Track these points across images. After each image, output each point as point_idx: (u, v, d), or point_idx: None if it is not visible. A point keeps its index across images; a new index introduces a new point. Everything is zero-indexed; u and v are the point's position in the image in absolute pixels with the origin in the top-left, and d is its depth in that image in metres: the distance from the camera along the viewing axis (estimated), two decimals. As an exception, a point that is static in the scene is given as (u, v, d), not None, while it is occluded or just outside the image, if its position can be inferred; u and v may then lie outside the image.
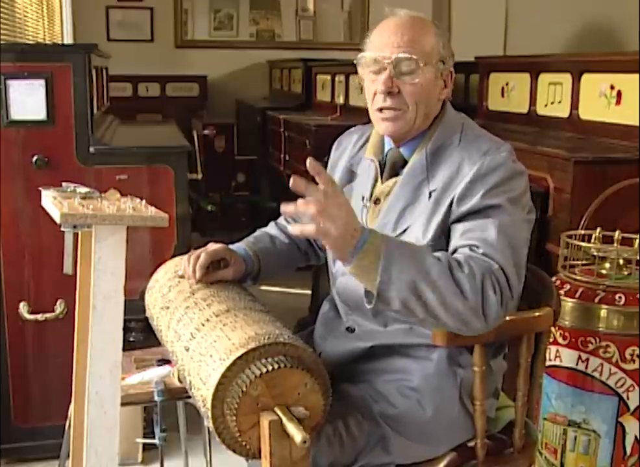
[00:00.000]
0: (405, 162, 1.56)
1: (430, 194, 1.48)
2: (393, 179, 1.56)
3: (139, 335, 2.70)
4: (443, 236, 1.45)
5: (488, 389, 1.56)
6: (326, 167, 1.79)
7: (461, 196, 1.43)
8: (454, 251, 1.40)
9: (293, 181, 1.24)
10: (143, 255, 2.35)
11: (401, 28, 1.49)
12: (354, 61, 1.57)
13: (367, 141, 1.66)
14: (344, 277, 1.58)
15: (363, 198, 1.59)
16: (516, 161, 1.48)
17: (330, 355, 1.58)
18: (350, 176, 1.66)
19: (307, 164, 1.25)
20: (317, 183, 1.26)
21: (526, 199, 1.47)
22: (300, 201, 1.26)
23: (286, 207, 1.27)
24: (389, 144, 1.59)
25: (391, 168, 1.58)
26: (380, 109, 1.51)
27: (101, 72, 3.11)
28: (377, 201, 1.57)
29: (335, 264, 1.63)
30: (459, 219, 1.43)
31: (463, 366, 1.52)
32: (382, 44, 1.49)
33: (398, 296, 1.28)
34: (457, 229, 1.42)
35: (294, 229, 1.28)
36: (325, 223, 1.24)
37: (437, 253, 1.35)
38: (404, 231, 1.49)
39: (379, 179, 1.59)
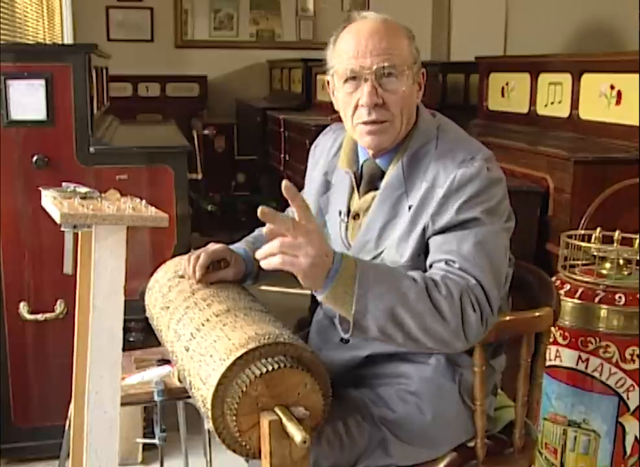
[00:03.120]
0: (382, 173, 1.50)
1: (410, 208, 1.44)
2: (372, 194, 1.51)
3: (139, 334, 2.69)
4: (421, 254, 1.41)
5: (488, 388, 1.56)
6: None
7: (435, 213, 1.39)
8: (430, 266, 1.37)
9: (260, 212, 1.19)
10: (143, 255, 2.35)
11: (377, 34, 1.41)
12: (327, 76, 1.49)
13: (340, 147, 1.60)
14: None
15: (340, 212, 1.55)
16: (492, 168, 1.42)
17: (328, 365, 1.55)
18: (326, 185, 1.61)
19: (283, 187, 1.21)
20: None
21: (504, 207, 1.43)
22: (266, 230, 1.22)
23: (258, 253, 1.23)
24: (364, 154, 1.53)
25: (368, 181, 1.52)
26: (365, 123, 1.44)
27: (101, 72, 3.11)
28: (356, 216, 1.53)
29: None
30: (435, 235, 1.39)
31: (462, 366, 1.51)
32: (359, 53, 1.41)
33: (376, 323, 1.25)
34: (433, 243, 1.38)
35: (262, 263, 1.23)
36: (292, 255, 1.20)
37: (413, 273, 1.31)
38: (386, 248, 1.46)
39: (355, 193, 1.54)
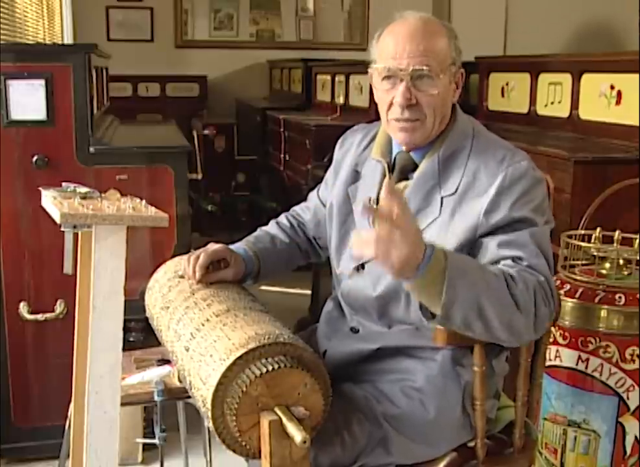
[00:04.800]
0: (414, 165, 1.54)
1: (442, 200, 1.48)
2: (403, 183, 1.54)
3: (139, 334, 2.70)
4: (465, 249, 1.44)
5: (489, 390, 1.56)
6: (327, 167, 1.79)
7: (488, 210, 1.42)
8: (495, 262, 1.40)
9: (364, 208, 1.25)
10: (143, 255, 2.35)
11: (416, 37, 1.46)
12: (368, 70, 1.54)
13: (372, 140, 1.65)
14: (350, 280, 1.58)
15: (369, 199, 1.58)
16: (535, 168, 1.48)
17: (334, 354, 1.58)
18: (355, 176, 1.64)
19: (385, 184, 1.24)
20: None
21: (546, 205, 1.48)
22: (364, 232, 1.24)
23: (353, 241, 1.25)
24: (397, 147, 1.58)
25: (400, 171, 1.56)
26: (397, 120, 1.50)
27: (101, 72, 3.11)
28: None
29: (340, 265, 1.63)
30: (490, 232, 1.42)
31: (467, 367, 1.52)
32: (397, 54, 1.46)
33: (462, 313, 1.28)
34: (492, 241, 1.41)
35: (354, 251, 1.24)
36: (385, 250, 1.20)
37: (491, 267, 1.36)
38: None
39: None
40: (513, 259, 1.38)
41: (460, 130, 1.53)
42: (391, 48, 1.47)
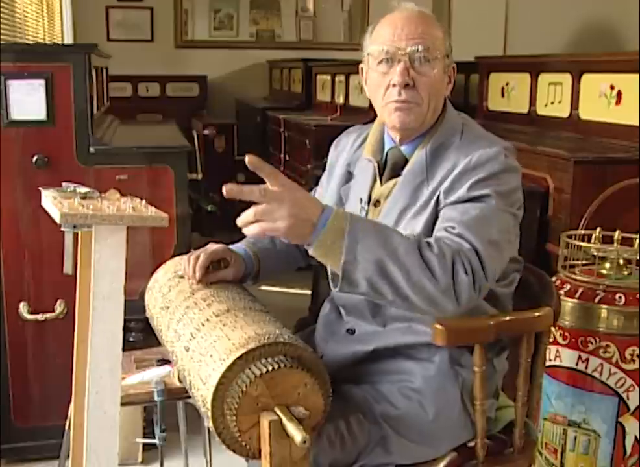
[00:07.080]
0: (405, 162, 1.55)
1: (429, 195, 1.48)
2: (393, 181, 1.55)
3: (139, 335, 2.69)
4: (431, 229, 1.43)
5: (489, 389, 1.56)
6: (325, 167, 1.79)
7: (448, 189, 1.42)
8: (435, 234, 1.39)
9: (226, 191, 1.23)
10: (143, 255, 2.35)
11: (413, 20, 1.48)
12: (364, 54, 1.54)
13: (364, 140, 1.65)
14: None
15: (361, 200, 1.58)
16: (509, 156, 1.46)
17: (332, 357, 1.57)
18: (348, 176, 1.65)
19: (247, 160, 1.24)
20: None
21: (516, 196, 1.45)
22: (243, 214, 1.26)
23: (238, 221, 1.27)
24: (389, 143, 1.58)
25: (391, 168, 1.56)
26: (395, 102, 1.49)
27: (101, 72, 3.11)
28: (377, 203, 1.56)
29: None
30: (444, 208, 1.42)
31: (465, 367, 1.52)
32: (395, 36, 1.47)
33: (365, 276, 1.26)
34: (441, 216, 1.42)
35: (244, 231, 1.27)
36: (269, 220, 1.23)
37: (407, 233, 1.34)
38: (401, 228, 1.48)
39: (378, 180, 1.58)
40: (446, 228, 1.36)
41: (449, 124, 1.54)
42: (389, 32, 1.49)
